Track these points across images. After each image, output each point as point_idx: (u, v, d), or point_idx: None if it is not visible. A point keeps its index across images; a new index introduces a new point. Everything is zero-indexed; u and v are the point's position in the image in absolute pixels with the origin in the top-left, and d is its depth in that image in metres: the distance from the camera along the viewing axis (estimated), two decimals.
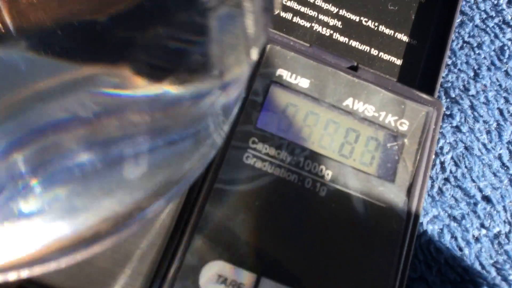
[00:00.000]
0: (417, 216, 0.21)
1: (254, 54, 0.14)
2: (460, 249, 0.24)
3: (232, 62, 0.14)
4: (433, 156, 0.23)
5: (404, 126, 0.23)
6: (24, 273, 0.12)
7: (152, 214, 0.14)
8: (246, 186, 0.20)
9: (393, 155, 0.22)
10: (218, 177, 0.20)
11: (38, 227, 0.12)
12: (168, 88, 0.13)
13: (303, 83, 0.23)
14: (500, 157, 0.26)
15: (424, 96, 0.24)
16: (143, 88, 0.12)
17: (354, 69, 0.24)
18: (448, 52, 0.27)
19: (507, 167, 0.26)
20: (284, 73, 0.22)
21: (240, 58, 0.14)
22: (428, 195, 0.24)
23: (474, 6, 0.29)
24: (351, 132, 0.22)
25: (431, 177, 0.25)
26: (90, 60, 0.12)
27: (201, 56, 0.13)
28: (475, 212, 0.25)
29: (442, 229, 0.24)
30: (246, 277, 0.19)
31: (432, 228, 0.24)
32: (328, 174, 0.21)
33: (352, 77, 0.23)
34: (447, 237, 0.24)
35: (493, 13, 0.30)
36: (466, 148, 0.26)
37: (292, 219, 0.20)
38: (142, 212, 0.14)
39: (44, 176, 0.12)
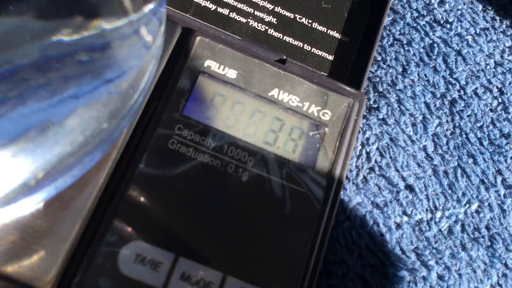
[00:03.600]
0: (335, 200, 0.22)
1: None
2: (382, 235, 0.25)
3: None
4: (354, 145, 0.24)
5: (326, 116, 0.24)
6: None
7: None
8: (169, 171, 0.21)
9: (315, 143, 0.23)
10: (142, 161, 0.21)
11: None
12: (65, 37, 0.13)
13: (231, 74, 0.23)
14: (424, 149, 0.27)
15: (347, 88, 0.25)
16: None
17: (282, 62, 0.25)
18: (376, 49, 0.28)
19: (431, 158, 0.27)
20: (212, 64, 0.23)
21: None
22: (353, 183, 0.26)
23: (406, 5, 0.31)
24: (275, 121, 0.23)
25: (356, 166, 0.26)
26: None
27: None
28: (397, 200, 0.26)
29: (364, 215, 0.25)
30: (165, 256, 0.20)
31: (355, 215, 0.25)
32: (251, 160, 0.22)
33: (278, 69, 0.24)
34: (369, 223, 0.25)
35: (424, 12, 0.31)
36: (391, 139, 0.27)
37: (213, 202, 0.21)
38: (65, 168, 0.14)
39: None
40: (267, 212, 0.21)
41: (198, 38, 0.24)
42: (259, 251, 0.21)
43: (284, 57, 0.25)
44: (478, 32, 0.31)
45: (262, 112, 0.23)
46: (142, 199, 0.20)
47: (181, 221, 0.20)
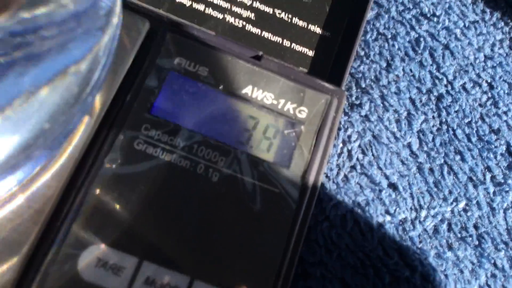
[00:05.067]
0: (311, 201, 0.22)
1: None
2: (363, 235, 0.24)
3: None
4: (333, 143, 0.23)
5: (302, 113, 0.23)
6: None
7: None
8: (134, 172, 0.20)
9: (290, 142, 0.22)
10: (105, 162, 0.20)
11: None
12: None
13: (202, 71, 0.23)
14: (409, 146, 0.26)
15: (326, 85, 0.24)
16: None
17: (257, 58, 0.24)
18: (359, 44, 0.27)
19: (416, 155, 0.26)
20: (183, 62, 0.23)
21: None
22: (333, 182, 0.25)
23: None
24: (249, 119, 0.22)
25: (337, 165, 0.25)
26: None
27: None
28: (380, 199, 0.25)
29: (345, 215, 0.24)
30: (128, 260, 0.19)
31: (335, 214, 0.24)
32: (222, 160, 0.21)
33: (252, 66, 0.23)
34: (349, 223, 0.24)
35: (410, 5, 0.30)
36: (374, 136, 0.26)
37: (181, 204, 0.20)
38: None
39: None
40: (239, 214, 0.20)
41: (168, 35, 0.23)
42: (229, 254, 0.20)
43: (260, 53, 0.24)
44: (467, 25, 0.30)
45: (235, 110, 0.23)
46: (104, 201, 0.19)
47: (146, 223, 0.20)
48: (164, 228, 0.20)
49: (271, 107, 0.23)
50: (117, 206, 0.20)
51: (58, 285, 0.18)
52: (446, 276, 0.24)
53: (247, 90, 0.23)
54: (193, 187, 0.21)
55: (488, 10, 0.31)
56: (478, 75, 0.29)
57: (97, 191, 0.20)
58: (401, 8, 0.30)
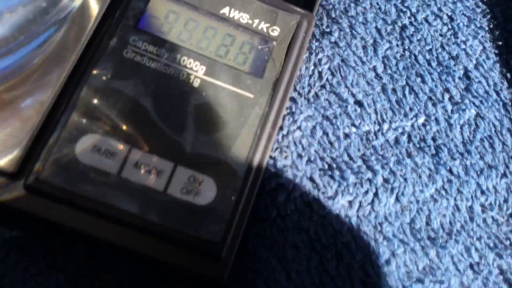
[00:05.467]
0: (281, 106, 0.24)
1: None
2: (331, 144, 0.27)
3: None
4: (302, 59, 0.26)
5: (275, 32, 0.26)
6: None
7: None
8: (124, 76, 0.23)
9: (264, 56, 0.25)
10: (97, 66, 0.23)
11: None
12: None
13: None
14: (374, 69, 0.29)
15: (297, 9, 0.27)
16: None
17: None
18: None
19: (381, 77, 0.29)
20: None
21: None
22: (304, 98, 0.28)
23: None
24: (227, 37, 0.25)
25: (308, 84, 0.28)
26: None
27: None
28: (347, 113, 0.28)
29: (314, 126, 0.27)
30: (119, 147, 0.22)
31: (305, 125, 0.27)
32: (203, 69, 0.24)
33: None
34: (318, 134, 0.27)
35: None
36: (342, 60, 0.29)
37: (166, 103, 0.23)
38: None
39: None
40: (216, 112, 0.23)
41: None
42: (208, 145, 0.23)
43: None
44: None
45: (214, 29, 0.25)
46: (98, 97, 0.22)
47: (135, 118, 0.22)
48: (151, 122, 0.22)
49: (246, 26, 0.26)
50: (108, 101, 0.22)
51: (58, 166, 0.21)
52: (405, 179, 0.27)
53: (225, 10, 0.26)
54: (177, 89, 0.23)
55: None
56: (440, 9, 0.32)
57: (91, 89, 0.22)
58: None
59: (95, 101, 0.22)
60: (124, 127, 0.22)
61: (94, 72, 0.23)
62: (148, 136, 0.22)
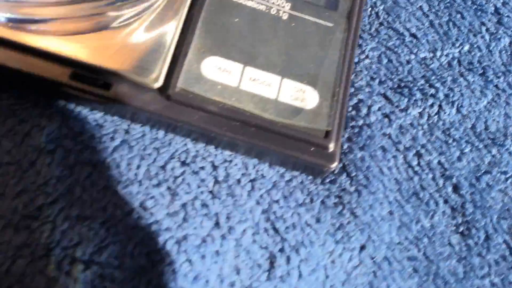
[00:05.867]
0: (356, 31, 0.29)
1: None
2: (396, 68, 0.31)
3: None
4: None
5: None
6: None
7: None
8: (230, 13, 0.27)
9: None
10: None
11: None
12: None
13: None
14: (421, 8, 0.34)
15: None
16: None
17: None
18: None
19: (427, 15, 0.34)
20: None
21: None
22: (368, 33, 0.32)
23: None
24: None
25: (369, 23, 0.32)
26: None
27: None
28: (405, 44, 0.32)
29: (380, 55, 0.31)
30: (235, 66, 0.26)
31: (372, 54, 0.31)
32: (288, 5, 0.28)
33: None
34: (384, 60, 0.31)
35: None
36: (394, 2, 0.33)
37: (265, 32, 0.27)
38: None
39: None
40: (305, 38, 0.27)
41: None
42: (304, 63, 0.27)
43: None
44: None
45: None
46: (215, 26, 0.26)
47: (245, 42, 0.26)
48: (258, 45, 0.27)
49: None
50: (222, 29, 0.26)
51: (189, 79, 0.25)
52: (462, 94, 0.31)
53: None
54: (270, 23, 0.28)
55: None
56: None
57: (210, 19, 0.26)
58: None
59: (212, 28, 0.26)
60: (236, 49, 0.26)
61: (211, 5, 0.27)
62: (257, 56, 0.26)
